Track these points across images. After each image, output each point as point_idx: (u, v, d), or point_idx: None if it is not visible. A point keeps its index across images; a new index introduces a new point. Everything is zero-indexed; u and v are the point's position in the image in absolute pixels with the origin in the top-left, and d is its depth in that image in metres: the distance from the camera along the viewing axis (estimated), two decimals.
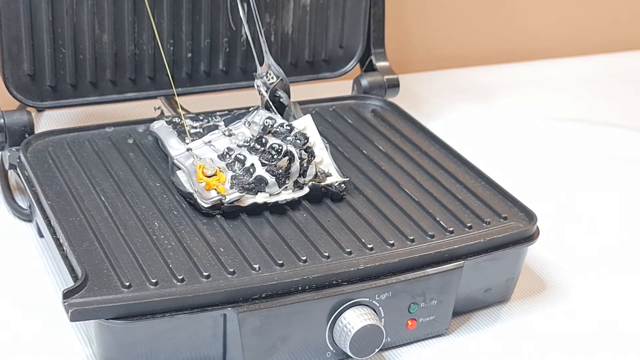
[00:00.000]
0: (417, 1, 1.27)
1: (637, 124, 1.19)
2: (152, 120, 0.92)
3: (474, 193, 0.86)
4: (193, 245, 0.77)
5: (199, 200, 0.81)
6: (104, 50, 0.95)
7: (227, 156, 0.84)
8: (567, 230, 0.96)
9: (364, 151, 0.93)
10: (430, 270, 0.77)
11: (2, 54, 0.92)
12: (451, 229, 0.81)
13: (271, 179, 0.82)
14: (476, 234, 0.81)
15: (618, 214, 1.00)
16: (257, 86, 0.91)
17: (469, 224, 0.81)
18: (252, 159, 0.83)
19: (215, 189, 0.81)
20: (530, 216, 0.83)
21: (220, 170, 0.83)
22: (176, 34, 0.98)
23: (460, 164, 0.91)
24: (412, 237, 0.79)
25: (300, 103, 1.00)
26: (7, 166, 0.91)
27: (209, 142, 0.87)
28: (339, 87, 1.08)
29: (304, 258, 0.76)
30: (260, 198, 0.82)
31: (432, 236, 0.80)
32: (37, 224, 0.87)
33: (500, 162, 1.07)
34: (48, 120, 1.06)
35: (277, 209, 0.82)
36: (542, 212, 0.84)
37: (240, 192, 0.81)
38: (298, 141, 0.85)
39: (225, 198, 0.80)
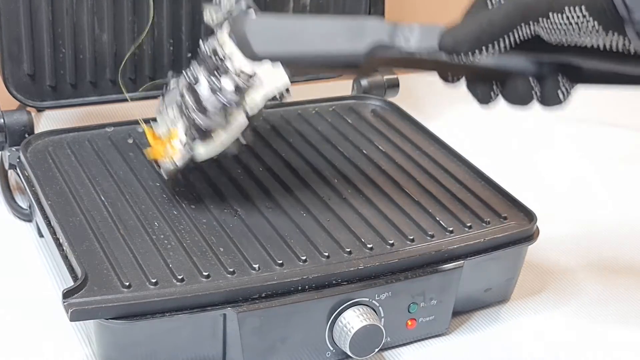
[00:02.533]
0: (417, 1, 1.27)
1: (638, 124, 1.19)
2: (152, 120, 0.92)
3: (474, 193, 0.86)
4: (193, 245, 0.77)
5: (163, 173, 0.83)
6: (104, 50, 0.95)
7: (182, 97, 0.83)
8: (567, 230, 0.96)
9: (364, 151, 0.93)
10: (430, 270, 0.77)
11: (2, 54, 0.92)
12: (451, 229, 0.81)
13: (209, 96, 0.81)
14: (476, 233, 0.81)
15: (619, 215, 1.00)
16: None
17: (468, 224, 0.81)
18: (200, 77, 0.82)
19: (169, 158, 0.81)
20: (530, 216, 0.83)
21: (173, 126, 0.82)
22: (175, 34, 0.98)
23: (460, 164, 0.91)
24: (412, 237, 0.79)
25: (300, 103, 1.00)
26: (7, 166, 0.91)
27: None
28: (339, 87, 1.08)
29: (303, 258, 0.76)
30: (210, 146, 0.82)
31: (432, 236, 0.80)
32: (37, 224, 0.87)
33: (500, 162, 1.07)
34: (48, 120, 1.06)
35: (277, 209, 0.82)
36: (542, 212, 0.84)
37: (189, 150, 0.81)
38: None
39: (177, 164, 0.81)
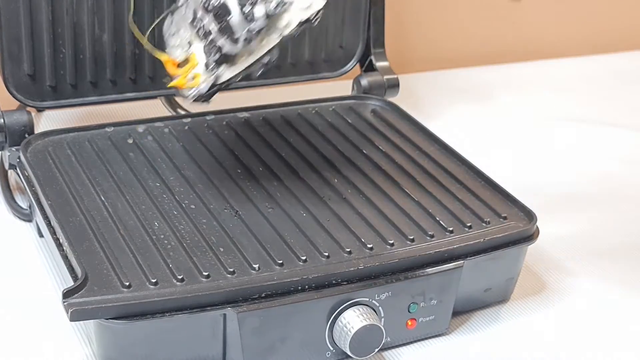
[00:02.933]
0: (417, 1, 1.27)
1: (638, 124, 1.19)
2: (152, 120, 0.92)
3: (474, 193, 0.86)
4: (193, 245, 0.77)
5: (187, 101, 0.80)
6: (104, 50, 0.95)
7: (197, 19, 0.81)
8: (568, 230, 0.96)
9: (364, 151, 0.93)
10: (430, 270, 0.77)
11: (2, 54, 0.92)
12: (451, 229, 0.81)
13: (235, 11, 0.78)
14: (476, 233, 0.81)
15: (619, 215, 1.00)
16: None
17: (468, 224, 0.81)
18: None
19: (194, 85, 0.80)
20: (530, 216, 0.83)
21: (190, 49, 0.81)
22: None
23: (460, 164, 0.91)
24: (412, 237, 0.79)
25: (300, 103, 1.00)
26: (7, 166, 0.91)
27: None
28: (339, 87, 1.08)
29: (303, 258, 0.76)
30: (235, 69, 0.79)
31: (432, 236, 0.80)
32: (37, 224, 0.87)
33: (500, 162, 1.07)
34: (48, 120, 1.06)
35: (277, 209, 0.82)
36: (542, 212, 0.84)
37: (212, 71, 0.79)
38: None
39: (202, 90, 0.79)
